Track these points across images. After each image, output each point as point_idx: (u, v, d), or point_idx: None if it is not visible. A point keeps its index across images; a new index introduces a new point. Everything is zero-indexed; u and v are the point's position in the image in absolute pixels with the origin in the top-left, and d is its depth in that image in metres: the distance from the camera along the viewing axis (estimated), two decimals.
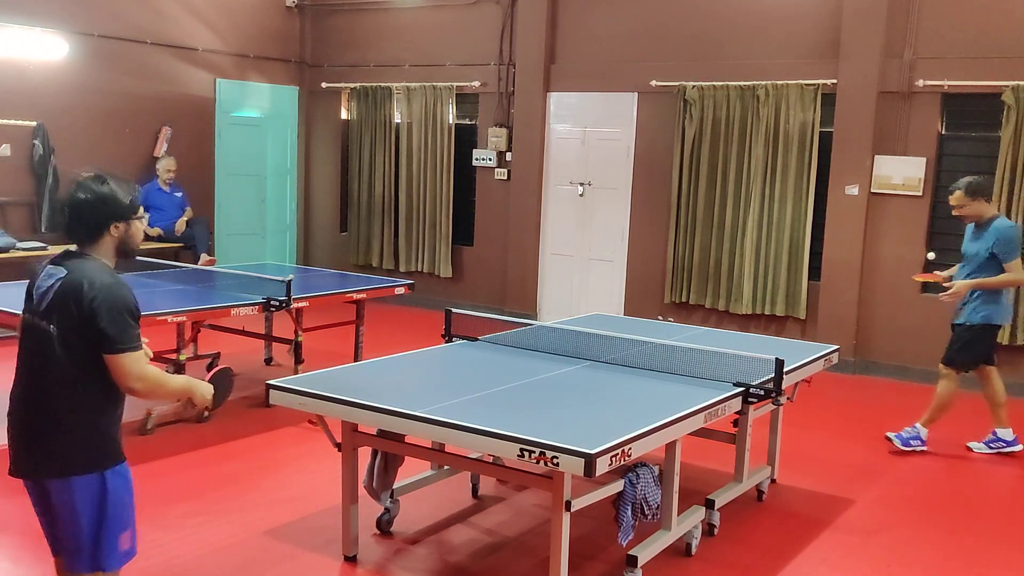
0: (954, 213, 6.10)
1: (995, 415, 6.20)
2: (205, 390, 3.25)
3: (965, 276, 6.01)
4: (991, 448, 6.19)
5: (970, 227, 6.13)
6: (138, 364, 2.97)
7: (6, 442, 3.04)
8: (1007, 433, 6.17)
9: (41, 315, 2.93)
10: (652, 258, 9.40)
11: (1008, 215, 7.64)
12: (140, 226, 3.13)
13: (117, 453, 3.07)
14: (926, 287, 5.95)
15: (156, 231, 9.57)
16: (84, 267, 2.94)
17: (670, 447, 4.07)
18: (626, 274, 9.62)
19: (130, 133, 9.86)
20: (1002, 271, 5.87)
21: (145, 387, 3.03)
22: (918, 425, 6.15)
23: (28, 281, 3.06)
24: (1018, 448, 6.14)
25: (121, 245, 3.08)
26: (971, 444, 6.26)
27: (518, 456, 3.33)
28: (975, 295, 5.97)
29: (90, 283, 2.88)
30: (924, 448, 6.11)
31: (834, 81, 8.28)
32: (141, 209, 3.11)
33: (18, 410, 3.00)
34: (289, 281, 6.22)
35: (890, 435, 6.17)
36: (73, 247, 3.04)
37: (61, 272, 2.93)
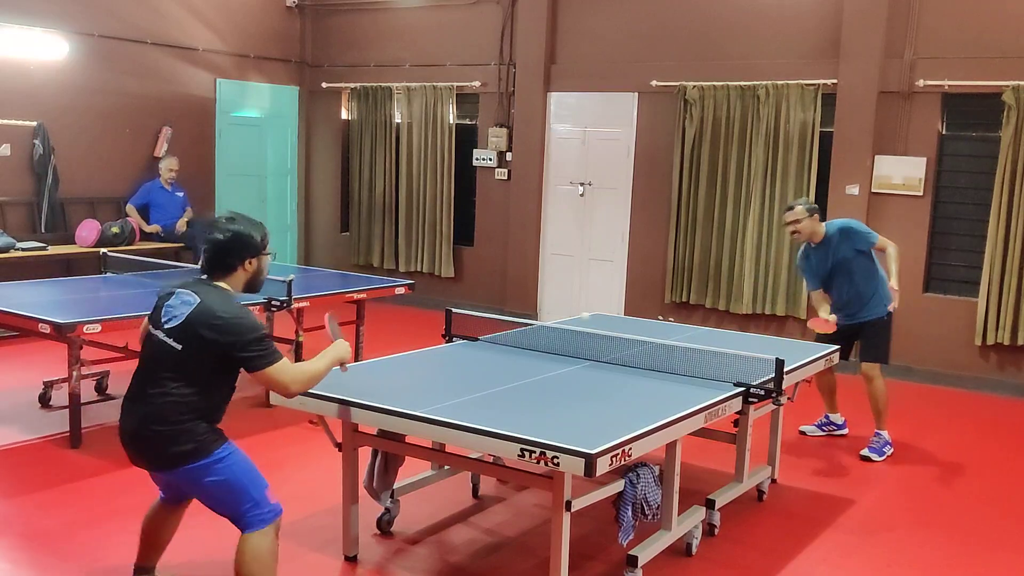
0: (790, 231, 6.09)
1: (830, 402, 6.47)
2: (343, 351, 3.60)
3: (847, 289, 6.07)
4: (823, 430, 6.49)
5: (804, 251, 6.17)
6: (285, 371, 3.36)
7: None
8: (838, 417, 6.51)
9: (167, 332, 3.33)
10: (652, 258, 9.40)
11: (1008, 215, 7.65)
12: (268, 260, 3.51)
13: (221, 437, 3.42)
14: (819, 336, 6.17)
15: (156, 228, 9.57)
16: (214, 297, 3.35)
17: (670, 447, 4.07)
18: (626, 274, 9.62)
19: (130, 133, 9.86)
20: (871, 260, 6.03)
21: (300, 386, 3.44)
22: (880, 431, 6.11)
23: (160, 296, 3.46)
24: (846, 431, 6.49)
25: (251, 278, 3.47)
26: (803, 427, 6.49)
27: (518, 456, 3.33)
28: (875, 289, 6.06)
29: (223, 312, 3.29)
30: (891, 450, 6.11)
31: (834, 81, 8.28)
32: (269, 246, 3.50)
33: (132, 409, 3.41)
34: (290, 281, 6.22)
35: (864, 453, 6.02)
36: (203, 275, 3.46)
37: (195, 300, 3.32)
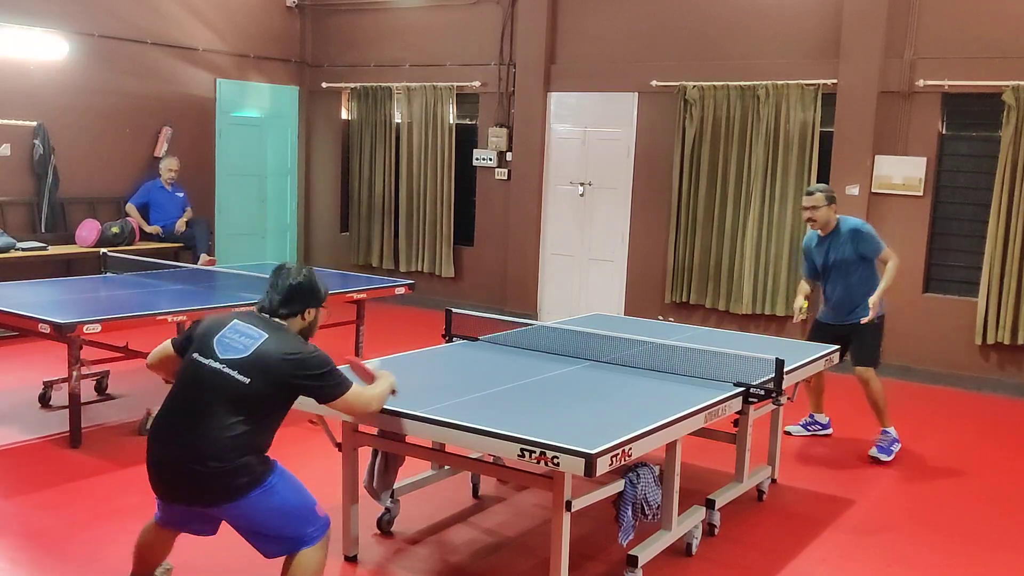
0: (805, 216, 6.03)
1: (816, 401, 6.48)
2: (393, 379, 3.73)
3: (840, 289, 6.03)
4: (809, 430, 6.51)
5: (812, 239, 6.15)
6: (361, 394, 3.53)
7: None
8: (822, 417, 6.53)
9: (228, 364, 3.28)
10: (652, 258, 9.40)
11: (1008, 215, 7.65)
12: (325, 314, 3.62)
13: (269, 462, 3.40)
14: (811, 335, 6.27)
15: (155, 229, 9.57)
16: (284, 337, 3.40)
17: (670, 447, 4.07)
18: (626, 274, 9.62)
19: (130, 133, 9.86)
20: (871, 267, 5.96)
21: (378, 403, 3.61)
22: (887, 429, 6.08)
23: (204, 325, 3.45)
24: (831, 431, 6.51)
25: (306, 328, 3.55)
26: (789, 427, 6.44)
27: (518, 456, 3.33)
28: (863, 294, 5.94)
29: (297, 348, 3.37)
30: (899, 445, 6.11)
31: (834, 81, 8.28)
32: (327, 301, 3.61)
33: (177, 442, 3.27)
34: None
35: (873, 453, 6.00)
36: (264, 313, 3.49)
37: (260, 335, 3.35)
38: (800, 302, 6.14)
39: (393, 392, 3.70)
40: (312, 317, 3.55)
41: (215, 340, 3.35)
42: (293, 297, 3.48)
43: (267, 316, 3.47)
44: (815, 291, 6.34)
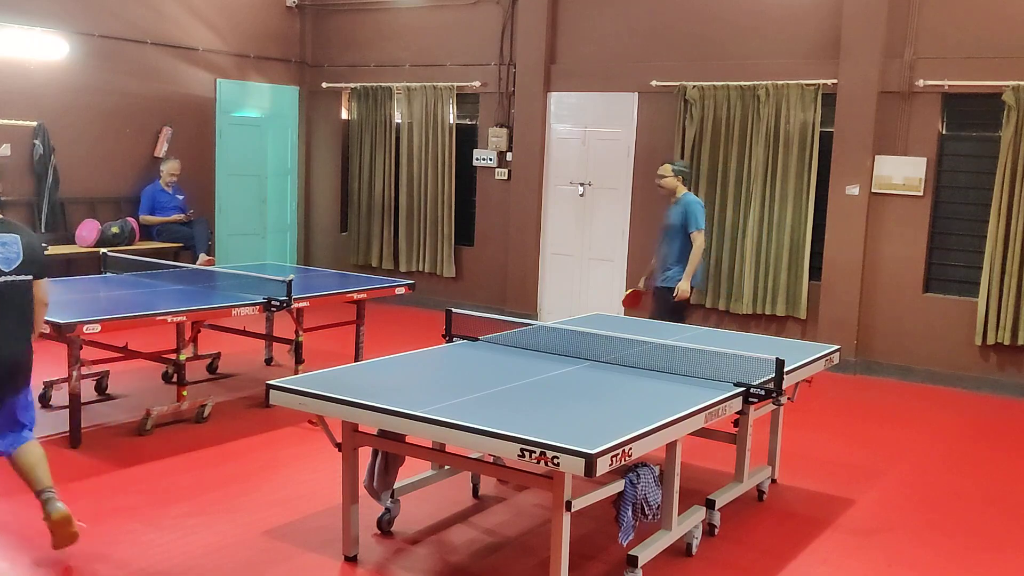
0: (656, 182, 7.10)
1: None
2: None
3: (668, 248, 6.98)
4: None
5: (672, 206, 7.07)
6: (47, 283, 4.32)
7: None
8: None
9: (15, 273, 4.04)
10: (652, 258, 9.37)
11: (1008, 215, 7.65)
12: None
13: None
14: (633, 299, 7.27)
15: (179, 217, 9.67)
16: (24, 228, 4.20)
17: (671, 447, 4.07)
18: (626, 274, 9.62)
19: (130, 133, 9.86)
20: (690, 242, 6.85)
21: (47, 300, 4.32)
22: None
23: None
24: None
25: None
26: None
27: (518, 456, 3.33)
28: (676, 262, 6.90)
29: (40, 240, 4.27)
30: None
31: (834, 81, 8.28)
32: None
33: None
34: (290, 281, 6.22)
35: None
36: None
37: (13, 236, 4.06)
38: (644, 279, 7.25)
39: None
40: None
41: None
42: None
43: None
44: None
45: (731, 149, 8.84)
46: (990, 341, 7.77)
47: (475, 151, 10.44)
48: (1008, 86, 7.53)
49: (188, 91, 10.37)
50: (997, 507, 5.27)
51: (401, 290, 7.37)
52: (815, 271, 8.56)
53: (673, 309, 6.89)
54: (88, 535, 4.36)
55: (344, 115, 11.51)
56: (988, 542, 4.76)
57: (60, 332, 5.19)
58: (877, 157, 8.17)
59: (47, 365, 6.95)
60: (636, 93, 9.38)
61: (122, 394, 6.71)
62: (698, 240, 6.84)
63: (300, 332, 6.72)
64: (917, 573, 4.39)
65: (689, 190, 7.10)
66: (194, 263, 9.12)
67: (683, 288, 6.80)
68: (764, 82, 8.58)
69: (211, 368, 7.42)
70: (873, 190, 8.22)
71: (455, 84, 10.40)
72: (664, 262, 7.03)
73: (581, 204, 9.85)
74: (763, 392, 4.31)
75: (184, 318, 5.90)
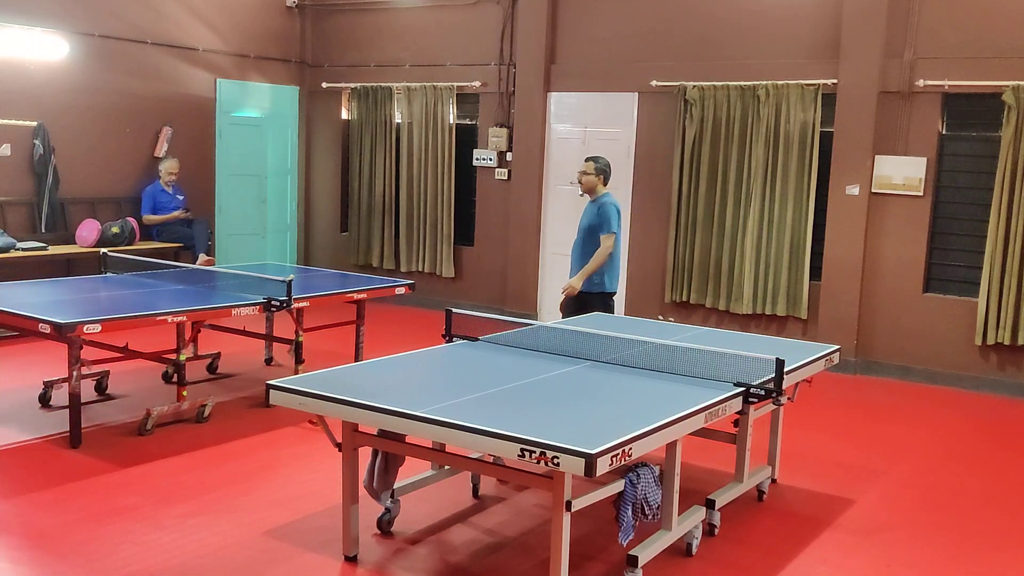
0: (579, 178, 6.86)
1: None
2: None
3: (578, 247, 6.77)
4: None
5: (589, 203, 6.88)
6: None
7: None
8: None
9: None
10: (652, 258, 9.40)
11: (1008, 215, 7.65)
12: None
13: None
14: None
15: (160, 218, 9.64)
16: None
17: (671, 447, 4.08)
18: (626, 274, 9.62)
19: (130, 133, 9.86)
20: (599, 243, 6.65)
21: None
22: None
23: None
24: None
25: None
26: None
27: (518, 456, 3.33)
28: (584, 263, 6.66)
29: None
30: None
31: (834, 81, 8.28)
32: None
33: None
34: (290, 281, 6.22)
35: None
36: None
37: None
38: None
39: None
40: None
41: None
42: None
43: None
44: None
45: (731, 149, 8.84)
46: (990, 341, 7.77)
47: (475, 151, 10.44)
48: (1008, 86, 7.53)
49: (188, 91, 10.37)
50: (997, 507, 5.27)
51: (401, 290, 7.37)
52: (815, 271, 8.56)
53: (573, 311, 6.59)
54: (88, 536, 4.36)
55: (344, 115, 11.51)
56: (988, 542, 4.76)
57: (60, 332, 5.19)
58: (877, 157, 8.18)
59: (47, 365, 6.97)
60: (636, 93, 9.38)
61: (122, 394, 6.71)
62: (607, 243, 6.61)
63: (300, 332, 6.72)
64: (917, 573, 4.39)
65: (608, 190, 6.86)
66: (194, 263, 9.13)
67: (572, 284, 6.64)
68: (764, 82, 8.58)
69: (211, 368, 7.42)
70: (873, 190, 8.22)
71: (455, 84, 10.40)
72: (572, 268, 6.82)
73: (581, 204, 9.79)
74: (763, 392, 4.31)
75: (184, 318, 5.90)
